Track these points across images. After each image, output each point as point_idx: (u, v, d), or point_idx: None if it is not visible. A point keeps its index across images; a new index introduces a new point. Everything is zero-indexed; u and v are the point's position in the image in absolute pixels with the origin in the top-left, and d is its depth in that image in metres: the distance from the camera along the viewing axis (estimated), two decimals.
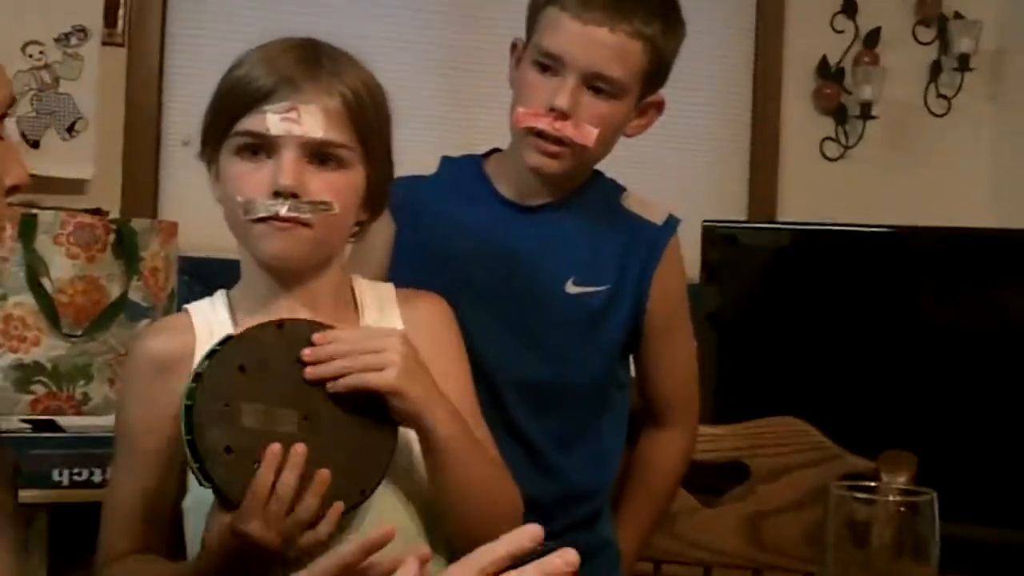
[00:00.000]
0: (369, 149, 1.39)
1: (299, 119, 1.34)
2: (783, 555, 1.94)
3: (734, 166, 3.76)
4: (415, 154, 1.54)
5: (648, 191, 1.84)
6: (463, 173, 1.78)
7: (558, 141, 1.64)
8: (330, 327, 1.32)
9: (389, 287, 1.51)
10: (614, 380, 1.80)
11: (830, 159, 3.86)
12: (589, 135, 1.65)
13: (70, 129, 3.18)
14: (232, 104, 1.36)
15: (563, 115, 1.63)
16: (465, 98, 3.46)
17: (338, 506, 1.26)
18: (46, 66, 3.14)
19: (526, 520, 1.73)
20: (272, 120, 1.34)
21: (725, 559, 1.97)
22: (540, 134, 1.64)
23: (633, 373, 1.85)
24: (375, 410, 1.32)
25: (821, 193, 3.78)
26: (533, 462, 1.71)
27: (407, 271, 1.65)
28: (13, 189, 1.07)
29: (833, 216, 3.22)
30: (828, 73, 3.84)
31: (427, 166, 1.80)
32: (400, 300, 1.49)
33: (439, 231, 1.72)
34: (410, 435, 1.37)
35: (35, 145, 3.16)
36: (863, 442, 1.94)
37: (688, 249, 1.85)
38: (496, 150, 1.80)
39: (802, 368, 2.77)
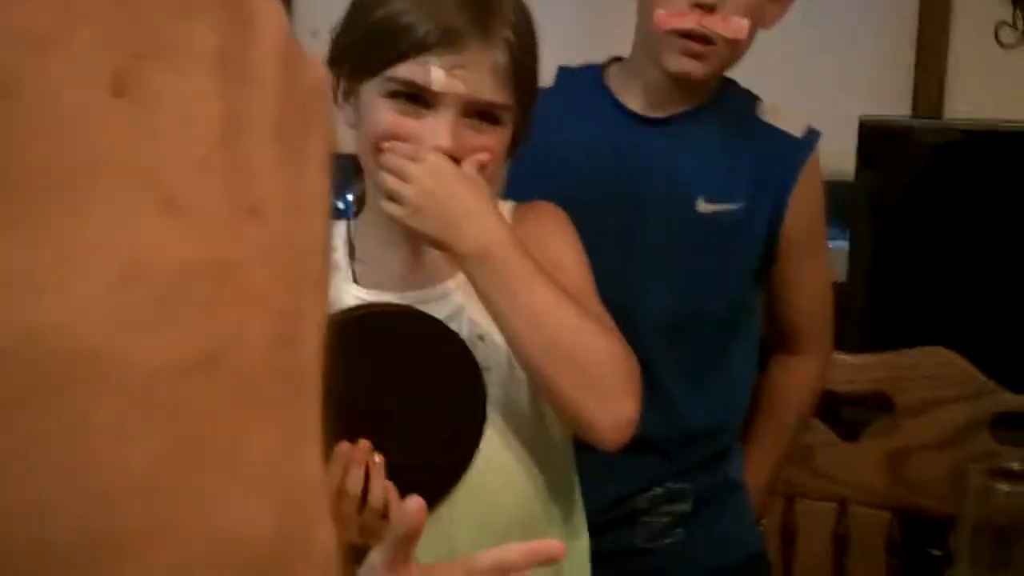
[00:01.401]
0: (524, 101, 1.31)
1: (465, 77, 1.25)
2: (927, 495, 1.80)
3: (897, 55, 3.50)
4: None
5: (801, 86, 1.69)
6: (581, 84, 1.64)
7: (706, 40, 1.50)
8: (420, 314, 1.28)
9: (508, 205, 1.42)
10: (746, 306, 1.67)
11: (1006, 46, 3.58)
12: (741, 28, 1.50)
13: None
14: (387, 45, 1.26)
15: (710, 9, 1.48)
16: None
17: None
18: None
19: (646, 463, 1.64)
20: (437, 75, 1.25)
21: (865, 496, 1.84)
22: (685, 35, 1.50)
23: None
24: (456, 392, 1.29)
25: (994, 84, 3.52)
26: (654, 398, 1.55)
27: (521, 191, 1.52)
28: None
29: (1008, 111, 2.98)
30: None
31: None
32: (514, 217, 1.40)
33: (553, 148, 1.57)
34: (516, 373, 1.31)
35: None
36: (1019, 378, 1.77)
37: (844, 148, 1.69)
38: (617, 59, 1.65)
39: (959, 292, 2.49)
